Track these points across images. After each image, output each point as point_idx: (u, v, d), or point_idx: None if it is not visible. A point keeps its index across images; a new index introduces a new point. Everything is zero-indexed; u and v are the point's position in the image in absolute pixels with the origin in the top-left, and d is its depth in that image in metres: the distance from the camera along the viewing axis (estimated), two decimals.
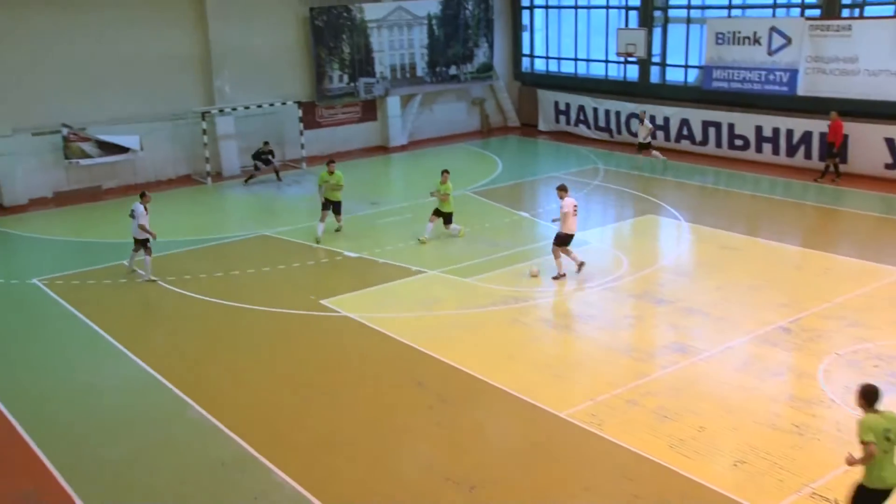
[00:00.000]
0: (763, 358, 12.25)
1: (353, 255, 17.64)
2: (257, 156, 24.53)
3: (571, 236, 15.64)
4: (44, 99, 22.75)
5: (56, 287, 16.15)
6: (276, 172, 24.59)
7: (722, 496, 8.92)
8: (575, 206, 15.58)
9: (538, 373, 11.99)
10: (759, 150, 24.77)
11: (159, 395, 11.78)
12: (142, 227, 16.08)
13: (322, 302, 14.93)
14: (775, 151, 24.21)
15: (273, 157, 24.78)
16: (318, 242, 18.36)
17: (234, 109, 25.36)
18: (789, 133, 23.98)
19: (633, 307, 14.52)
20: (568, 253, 15.65)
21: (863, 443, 7.27)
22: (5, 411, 11.39)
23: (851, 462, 7.54)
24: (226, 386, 12.04)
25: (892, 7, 22.33)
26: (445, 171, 18.42)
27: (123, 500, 9.40)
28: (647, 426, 10.35)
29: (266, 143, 24.82)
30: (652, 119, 25.90)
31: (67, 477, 9.78)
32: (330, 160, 19.48)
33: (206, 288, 15.91)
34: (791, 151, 24.05)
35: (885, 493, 7.38)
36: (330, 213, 18.85)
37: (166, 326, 14.41)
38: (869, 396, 7.54)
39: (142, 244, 16.29)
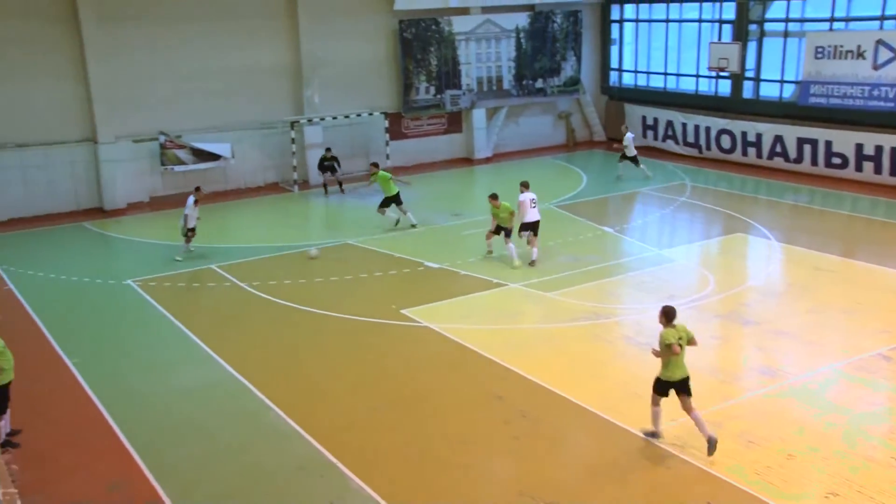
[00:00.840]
0: (858, 386, 11.71)
1: (434, 265, 17.68)
2: (320, 164, 24.72)
3: (533, 224, 17.32)
4: (144, 108, 23.67)
5: (148, 288, 16.69)
6: (340, 184, 24.80)
7: None
8: (532, 199, 17.54)
9: (619, 391, 11.75)
10: (858, 168, 23.80)
11: (242, 397, 12.01)
12: (186, 218, 18.11)
13: (403, 311, 14.99)
14: (877, 170, 23.23)
15: (338, 164, 24.75)
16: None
17: (322, 119, 25.82)
18: (893, 151, 22.96)
19: (719, 327, 14.11)
20: (531, 241, 17.33)
21: (668, 345, 9.97)
22: (98, 404, 11.81)
23: (656, 354, 10.24)
24: (307, 391, 12.19)
25: None
26: (492, 196, 17.87)
27: (203, 495, 9.61)
28: (731, 451, 10.01)
29: (328, 150, 24.75)
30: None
31: (152, 470, 10.06)
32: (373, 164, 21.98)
33: (290, 294, 16.18)
34: (894, 170, 23.03)
35: (673, 383, 10.17)
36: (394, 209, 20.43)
37: (251, 330, 14.70)
38: (669, 315, 10.14)
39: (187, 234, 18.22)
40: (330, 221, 22.22)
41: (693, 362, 12.56)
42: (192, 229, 18.42)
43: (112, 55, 22.98)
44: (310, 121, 25.73)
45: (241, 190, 25.34)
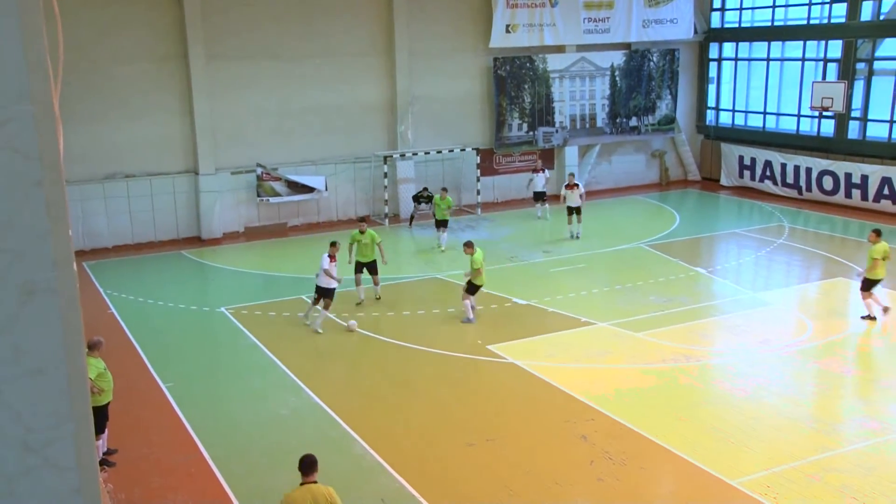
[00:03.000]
0: None
1: (522, 302, 17.58)
2: (416, 198, 25.52)
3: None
4: (244, 142, 24.51)
5: (240, 316, 17.13)
6: (411, 220, 25.21)
7: None
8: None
9: (709, 436, 11.36)
10: None
11: (329, 428, 12.12)
12: (326, 273, 15.77)
13: (489, 347, 14.93)
14: None
15: (429, 202, 25.23)
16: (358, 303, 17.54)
17: (414, 154, 26.20)
18: None
19: (818, 374, 13.52)
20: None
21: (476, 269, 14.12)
22: (189, 428, 12.12)
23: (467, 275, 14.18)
24: (392, 424, 12.22)
25: None
26: (466, 245, 16.54)
27: None
28: None
29: (425, 189, 25.69)
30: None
31: (238, 496, 10.21)
32: (361, 219, 19.22)
33: (378, 327, 16.33)
34: None
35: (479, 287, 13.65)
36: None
37: (339, 362, 14.88)
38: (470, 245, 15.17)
39: (323, 295, 15.99)
40: (419, 255, 22.39)
41: (787, 409, 12.13)
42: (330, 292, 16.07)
43: (217, 91, 23.95)
44: (402, 156, 26.13)
45: (334, 222, 25.85)
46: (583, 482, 10.35)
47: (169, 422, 12.40)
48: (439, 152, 26.41)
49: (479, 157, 27.00)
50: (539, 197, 25.74)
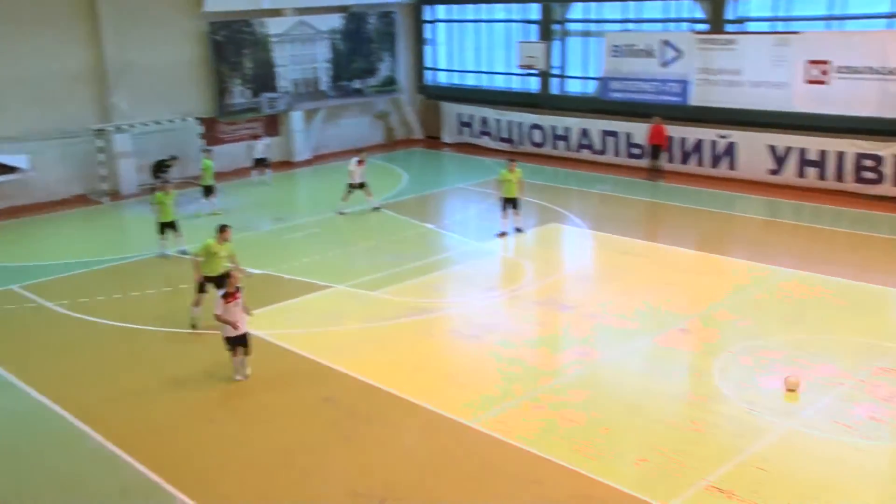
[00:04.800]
0: (662, 358, 12.67)
1: (257, 271, 17.38)
2: (162, 167, 24.22)
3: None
4: None
5: None
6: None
7: (625, 494, 9.16)
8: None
9: (446, 383, 12.07)
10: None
11: (53, 424, 11.32)
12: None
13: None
14: (670, 159, 25.07)
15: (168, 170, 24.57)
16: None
17: (131, 126, 24.71)
18: (683, 141, 24.89)
19: (538, 314, 14.79)
20: None
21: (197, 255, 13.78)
22: None
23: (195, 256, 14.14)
24: (125, 410, 11.65)
25: (770, 23, 23.50)
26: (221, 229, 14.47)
27: None
28: (553, 430, 10.55)
29: (173, 157, 24.79)
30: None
31: None
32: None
33: (104, 310, 15.41)
34: (685, 159, 24.97)
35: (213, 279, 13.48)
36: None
37: (60, 352, 13.85)
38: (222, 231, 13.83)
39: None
40: (148, 232, 21.25)
41: (515, 349, 13.16)
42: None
43: None
44: (118, 128, 24.54)
45: (44, 203, 23.78)
46: (331, 443, 10.59)
47: None
48: (158, 123, 25.10)
49: (202, 127, 26.04)
50: (260, 163, 25.42)
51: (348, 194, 21.63)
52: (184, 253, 18.02)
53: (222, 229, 14.30)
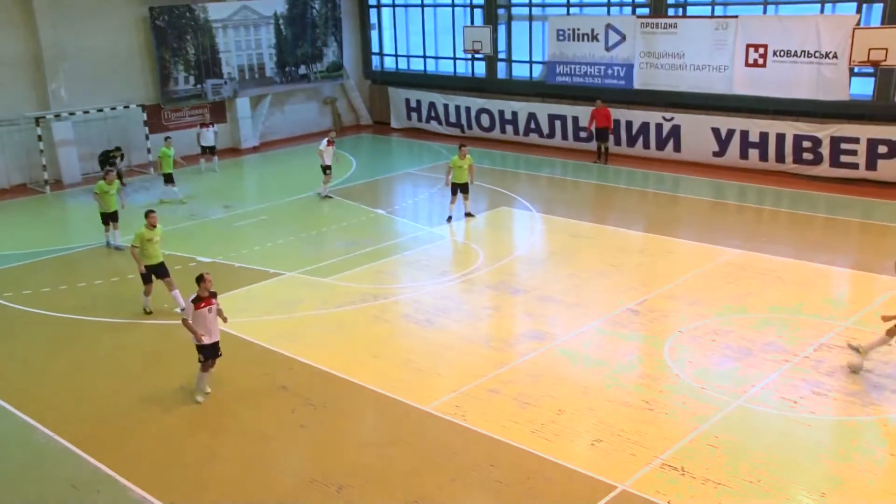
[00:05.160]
0: (614, 340, 12.88)
1: (207, 259, 17.17)
2: (108, 159, 23.59)
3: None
4: None
5: None
6: (120, 178, 23.47)
7: (581, 475, 9.33)
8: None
9: (401, 368, 12.11)
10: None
11: (1, 418, 11.09)
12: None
13: (177, 310, 14.44)
14: (617, 142, 25.37)
15: (121, 158, 24.05)
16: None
17: (72, 114, 24.11)
18: (629, 124, 25.21)
19: (491, 298, 14.90)
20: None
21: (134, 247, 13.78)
22: None
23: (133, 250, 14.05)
24: (73, 404, 11.45)
25: (710, 7, 23.89)
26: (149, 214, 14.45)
27: None
28: (508, 413, 10.67)
29: (117, 149, 24.17)
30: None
31: None
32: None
33: (49, 302, 15.08)
34: (631, 142, 25.30)
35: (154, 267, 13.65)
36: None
37: (4, 346, 13.53)
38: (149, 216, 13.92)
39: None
40: (92, 221, 20.80)
41: (468, 333, 13.26)
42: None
43: None
44: (57, 116, 23.92)
45: None
46: (286, 431, 10.56)
47: None
48: (100, 111, 24.54)
49: (145, 114, 25.53)
50: (208, 151, 25.06)
51: (328, 177, 21.66)
52: (118, 248, 17.72)
53: (148, 214, 14.24)
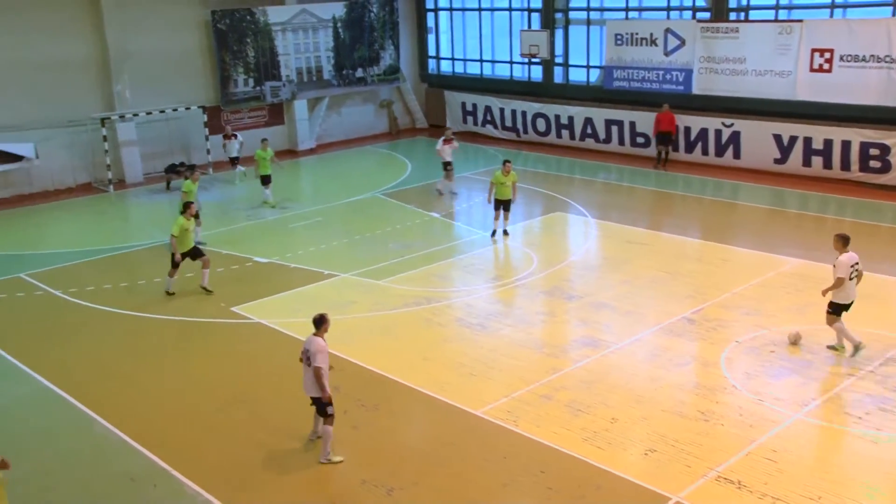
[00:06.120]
0: (669, 348, 12.67)
1: (263, 260, 17.41)
2: (172, 169, 24.01)
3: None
4: None
5: None
6: (169, 183, 23.99)
7: (634, 485, 9.19)
8: None
9: (453, 372, 12.09)
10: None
11: (62, 411, 11.38)
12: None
13: (233, 309, 14.69)
14: (674, 148, 25.01)
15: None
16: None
17: (135, 115, 24.67)
18: (687, 130, 24.83)
19: (544, 303, 14.79)
20: None
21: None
22: None
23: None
24: (135, 399, 11.71)
25: (774, 11, 23.39)
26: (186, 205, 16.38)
27: None
28: (560, 420, 10.58)
29: (182, 164, 24.42)
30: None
31: None
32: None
33: (111, 298, 15.44)
34: (689, 148, 24.91)
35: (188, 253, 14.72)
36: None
37: (68, 340, 13.90)
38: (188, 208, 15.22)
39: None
40: (153, 220, 21.28)
41: (521, 338, 13.18)
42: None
43: None
44: (122, 117, 24.51)
45: (50, 192, 23.81)
46: (339, 432, 10.59)
47: None
48: (162, 112, 25.07)
49: (206, 115, 26.00)
50: (234, 161, 24.81)
51: (449, 173, 22.10)
52: (199, 243, 18.05)
53: (188, 206, 15.95)
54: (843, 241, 12.04)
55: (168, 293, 15.55)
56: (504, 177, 18.15)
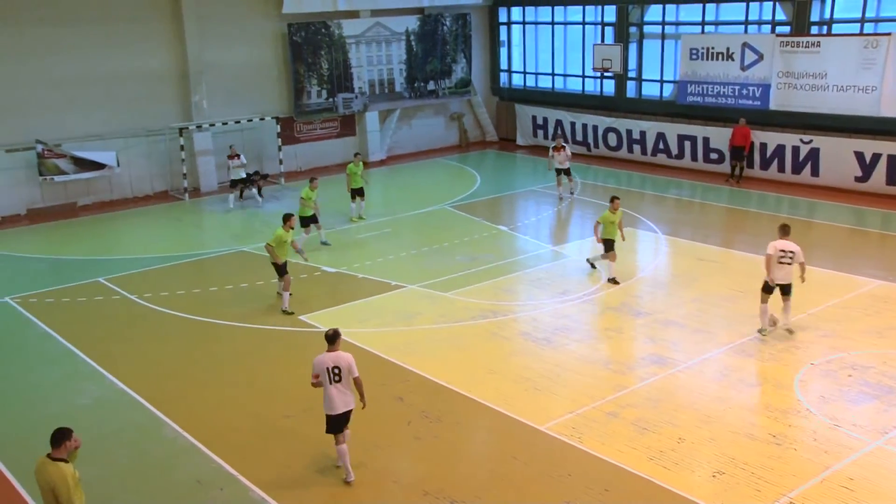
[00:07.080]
0: (740, 369, 12.34)
1: (331, 270, 17.61)
2: (248, 179, 24.34)
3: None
4: (18, 115, 22.56)
5: (30, 305, 15.98)
6: (260, 191, 24.30)
7: None
8: None
9: (518, 386, 12.00)
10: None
11: (134, 413, 11.67)
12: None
13: (301, 318, 14.88)
14: (749, 164, 24.45)
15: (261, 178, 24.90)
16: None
17: (211, 125, 25.30)
18: (763, 147, 24.25)
19: (612, 319, 14.58)
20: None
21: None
22: None
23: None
24: (204, 404, 11.94)
25: (858, 25, 22.68)
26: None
27: None
28: (626, 438, 10.39)
29: (256, 173, 24.67)
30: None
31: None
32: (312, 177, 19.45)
33: (183, 304, 15.81)
34: (765, 165, 24.32)
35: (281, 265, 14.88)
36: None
37: (142, 344, 14.27)
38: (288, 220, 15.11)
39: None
40: (226, 229, 21.76)
41: (587, 354, 13.01)
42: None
43: None
44: (199, 127, 25.17)
45: (129, 199, 24.57)
46: (402, 443, 10.64)
47: None
48: (237, 122, 25.65)
49: (279, 126, 26.51)
50: (241, 184, 23.97)
51: (560, 178, 22.80)
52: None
53: (287, 218, 15.40)
54: None
55: (288, 312, 15.10)
56: (613, 215, 16.40)
